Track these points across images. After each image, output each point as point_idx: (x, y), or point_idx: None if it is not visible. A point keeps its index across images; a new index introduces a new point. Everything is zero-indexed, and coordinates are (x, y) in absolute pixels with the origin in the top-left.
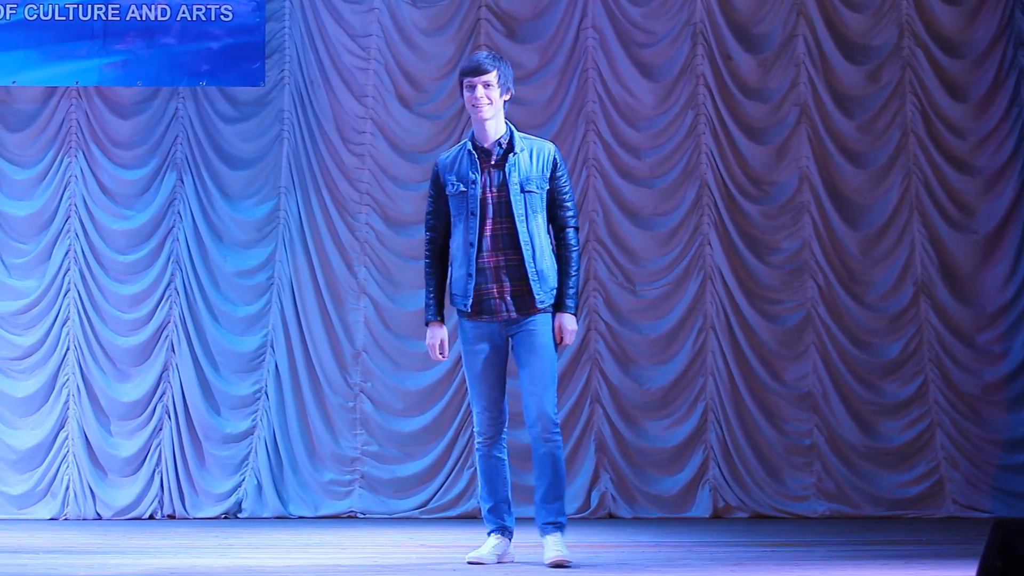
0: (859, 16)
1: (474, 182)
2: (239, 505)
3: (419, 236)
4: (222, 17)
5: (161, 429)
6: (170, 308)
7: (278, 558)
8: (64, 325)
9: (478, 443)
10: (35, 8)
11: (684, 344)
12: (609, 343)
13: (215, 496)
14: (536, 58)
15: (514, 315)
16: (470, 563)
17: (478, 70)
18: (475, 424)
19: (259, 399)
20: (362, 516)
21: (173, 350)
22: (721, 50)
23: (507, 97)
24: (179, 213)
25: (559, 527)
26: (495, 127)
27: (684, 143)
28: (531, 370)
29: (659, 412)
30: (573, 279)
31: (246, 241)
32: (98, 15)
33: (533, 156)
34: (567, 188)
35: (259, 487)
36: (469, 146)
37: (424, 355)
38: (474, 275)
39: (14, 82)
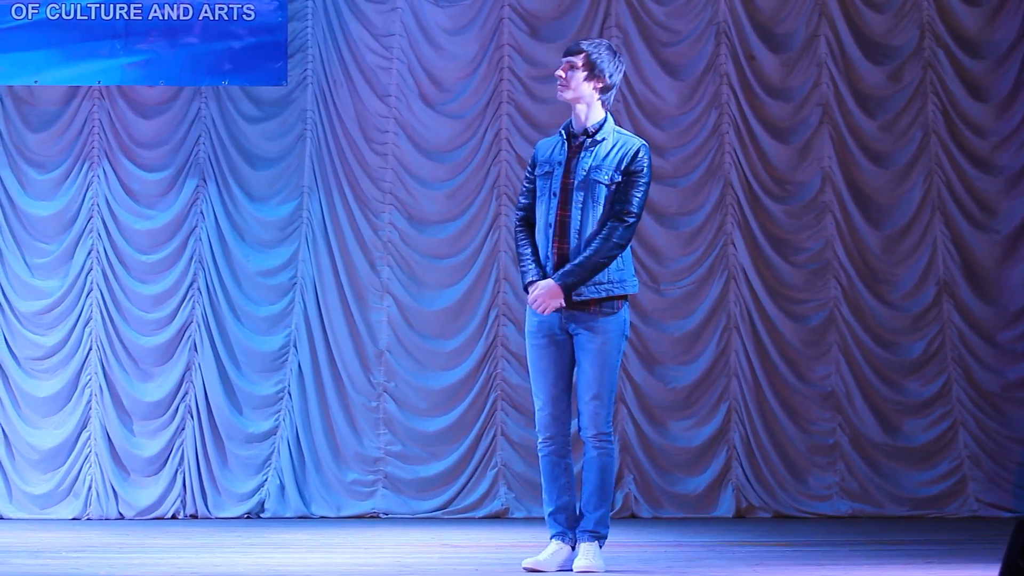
0: (880, 16)
1: (560, 163)
2: (261, 505)
3: (442, 235)
4: (244, 16)
5: (184, 429)
6: (193, 308)
7: (300, 558)
8: (87, 325)
9: (540, 444)
10: (57, 7)
11: (708, 344)
12: (633, 342)
13: (237, 496)
14: (559, 57)
15: (567, 308)
16: (526, 569)
17: (568, 51)
18: (537, 423)
19: (282, 399)
20: (384, 516)
21: (196, 350)
22: (744, 49)
23: (598, 85)
24: (202, 213)
25: (596, 538)
26: (584, 112)
27: (708, 142)
28: (582, 373)
29: (683, 412)
30: (590, 262)
31: (269, 241)
32: (120, 14)
33: (615, 148)
34: (639, 184)
35: (281, 487)
36: (562, 130)
37: (448, 354)
38: (551, 258)
39: (36, 81)
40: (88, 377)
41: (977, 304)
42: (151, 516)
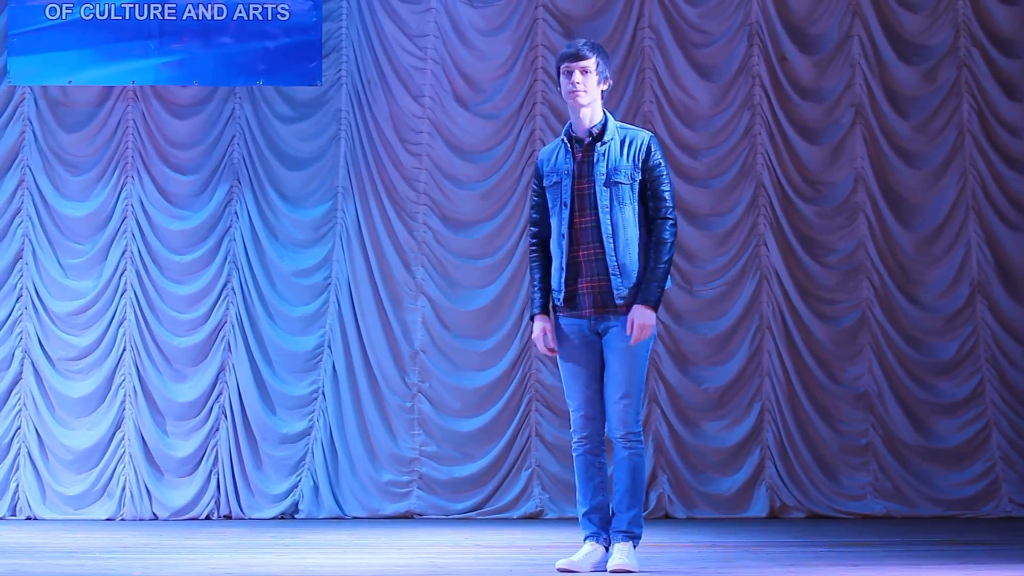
0: (915, 16)
1: (568, 172)
2: (295, 506)
3: (476, 236)
4: (279, 16)
5: (217, 429)
6: (227, 308)
7: (335, 558)
8: (120, 325)
9: (575, 444)
10: (91, 8)
11: (741, 344)
12: (667, 343)
13: (271, 497)
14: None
15: (598, 311)
16: (560, 570)
17: (577, 56)
18: (572, 424)
19: (316, 399)
20: (419, 517)
21: (229, 350)
22: (777, 51)
23: (604, 87)
24: (236, 213)
25: (631, 538)
26: (590, 116)
27: (740, 143)
28: (610, 374)
29: (716, 412)
30: (658, 271)
31: (303, 241)
32: (154, 15)
33: (625, 145)
34: (662, 178)
35: (315, 488)
36: (564, 136)
37: (482, 355)
38: (565, 268)
39: (70, 82)
40: (122, 377)
41: (1011, 305)
42: (185, 517)
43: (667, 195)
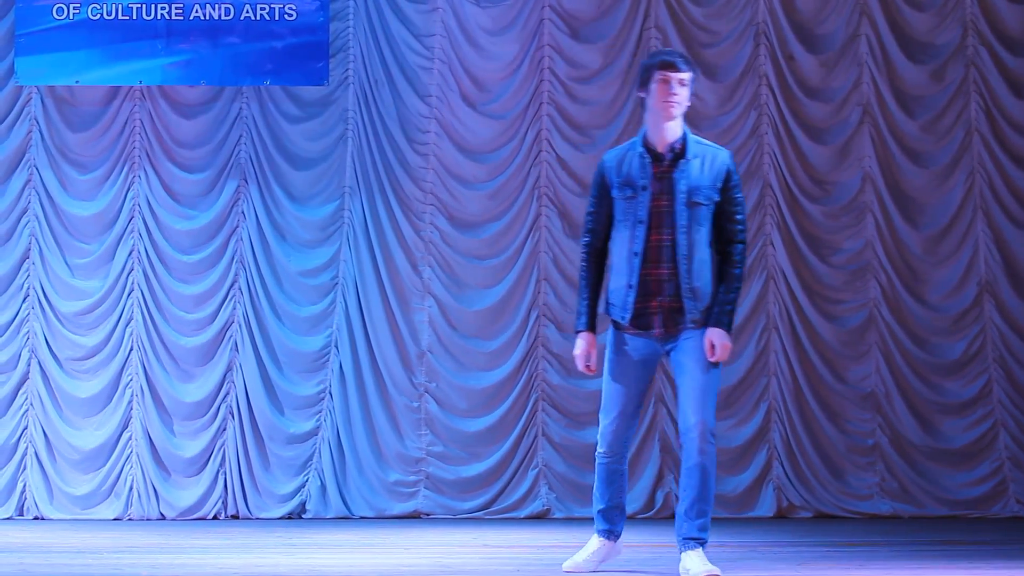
0: (922, 15)
1: (644, 187)
2: (303, 506)
3: (483, 236)
4: (286, 16)
5: (225, 429)
6: (234, 308)
7: (342, 558)
8: (128, 325)
9: (601, 454)
10: (98, 8)
11: (747, 344)
12: None
13: (279, 497)
14: (599, 58)
15: (668, 331)
16: (567, 571)
17: (678, 67)
18: (601, 436)
19: (323, 399)
20: (426, 517)
21: (237, 350)
22: (784, 50)
23: (689, 102)
24: (243, 213)
25: (701, 543)
26: (674, 130)
27: (747, 143)
28: (691, 377)
29: (723, 412)
30: (732, 295)
31: (310, 241)
32: (161, 14)
33: (705, 165)
34: (740, 200)
35: (323, 488)
36: (640, 148)
37: (489, 355)
38: (635, 287)
39: (77, 82)
40: (129, 377)
41: (1018, 305)
42: (192, 517)
43: (743, 220)
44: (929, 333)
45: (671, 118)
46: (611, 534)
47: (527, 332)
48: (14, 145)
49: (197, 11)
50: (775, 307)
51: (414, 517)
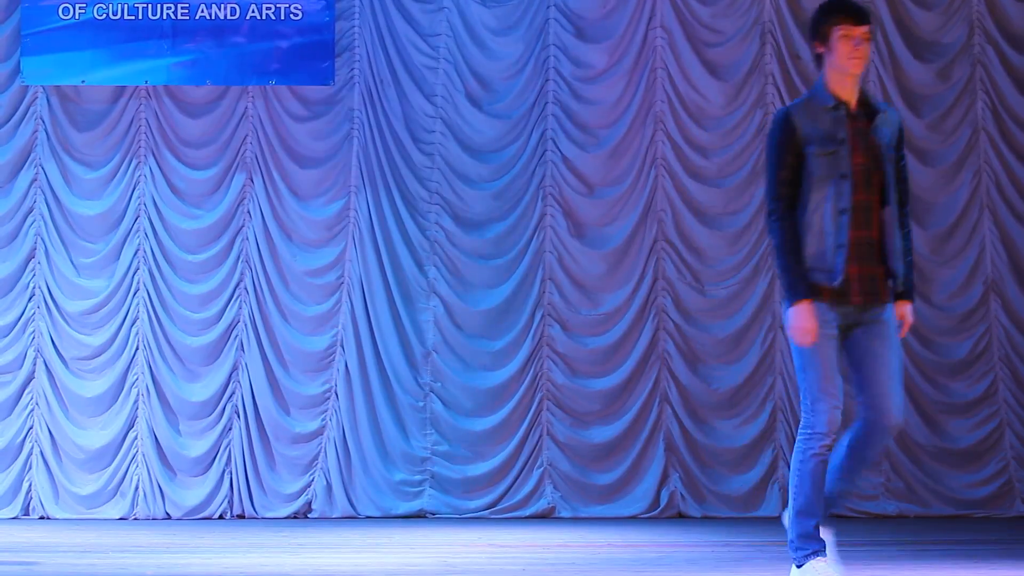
0: (929, 14)
1: (843, 141)
2: (308, 505)
3: (488, 235)
4: (291, 16)
5: (230, 429)
6: (239, 307)
7: (348, 558)
8: (133, 325)
9: (817, 448)
10: (104, 8)
11: (753, 344)
12: (678, 343)
13: (284, 496)
14: (605, 58)
15: (868, 299)
16: None
17: (862, 17)
18: (819, 426)
19: (328, 399)
20: (431, 515)
21: (242, 349)
22: (789, 49)
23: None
24: (248, 212)
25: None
26: (858, 84)
27: (752, 143)
28: (886, 362)
29: (728, 412)
30: (912, 259)
31: (316, 240)
32: (167, 14)
33: (885, 120)
34: (906, 164)
35: (328, 487)
36: (831, 101)
37: (494, 354)
38: (845, 246)
39: (83, 81)
40: (135, 377)
41: None
42: (198, 516)
43: (908, 181)
44: (935, 332)
45: (857, 74)
46: (825, 548)
47: (532, 332)
48: (20, 144)
49: (203, 11)
50: (780, 306)
51: (419, 516)
